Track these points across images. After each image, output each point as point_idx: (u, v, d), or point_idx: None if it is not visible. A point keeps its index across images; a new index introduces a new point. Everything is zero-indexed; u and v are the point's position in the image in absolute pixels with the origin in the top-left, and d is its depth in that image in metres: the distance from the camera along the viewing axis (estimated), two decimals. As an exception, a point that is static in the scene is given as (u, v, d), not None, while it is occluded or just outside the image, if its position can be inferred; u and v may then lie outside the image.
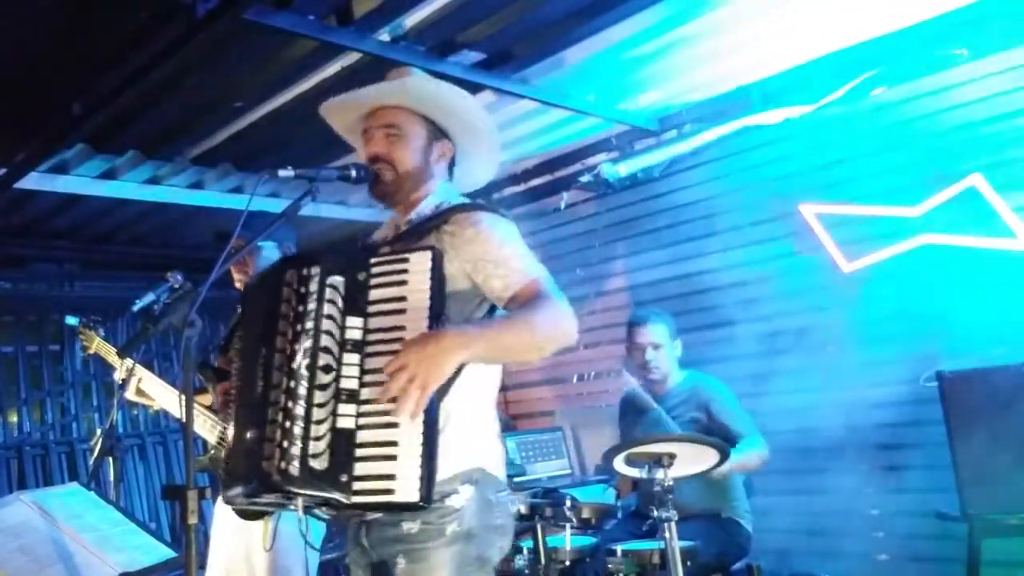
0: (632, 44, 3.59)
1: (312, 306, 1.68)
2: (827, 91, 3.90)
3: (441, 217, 1.87)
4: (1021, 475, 2.82)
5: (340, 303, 1.70)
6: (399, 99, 1.96)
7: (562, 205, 5.09)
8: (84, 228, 5.21)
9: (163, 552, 2.10)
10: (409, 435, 1.62)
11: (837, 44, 3.76)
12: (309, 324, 1.67)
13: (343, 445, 1.62)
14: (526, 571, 3.22)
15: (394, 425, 1.62)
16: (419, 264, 1.71)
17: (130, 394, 3.04)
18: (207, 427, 2.91)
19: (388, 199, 1.97)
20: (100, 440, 2.86)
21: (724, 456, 2.96)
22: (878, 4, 3.43)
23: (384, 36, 3.31)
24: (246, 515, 2.79)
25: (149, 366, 3.08)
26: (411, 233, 1.91)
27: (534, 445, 4.58)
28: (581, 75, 3.87)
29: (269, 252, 3.02)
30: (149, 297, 3.01)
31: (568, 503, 3.18)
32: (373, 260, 1.75)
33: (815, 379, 4.02)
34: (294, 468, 1.58)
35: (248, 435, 1.67)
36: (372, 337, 1.70)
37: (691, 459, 2.94)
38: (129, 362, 3.00)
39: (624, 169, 4.47)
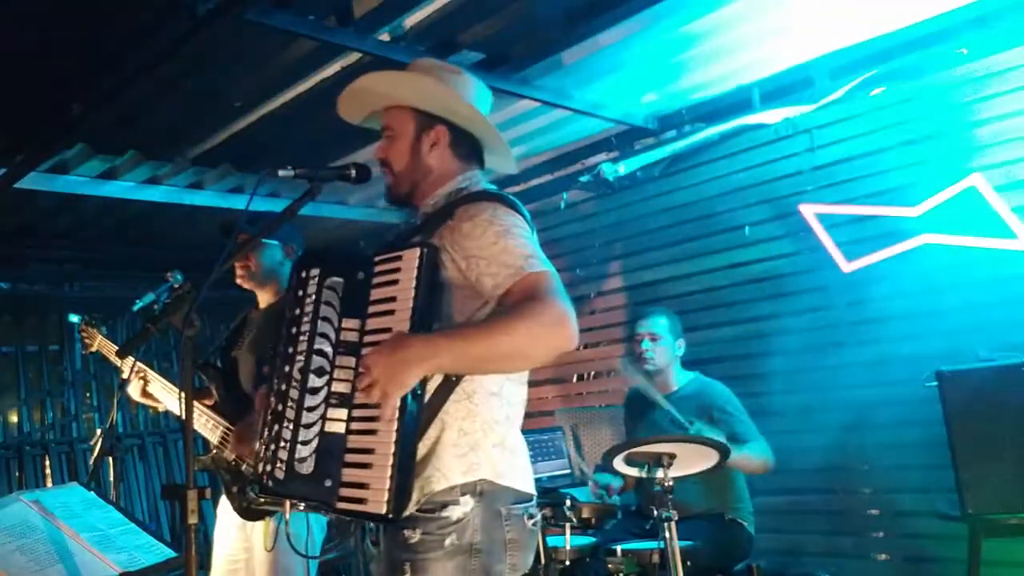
0: (632, 44, 3.59)
1: (309, 309, 1.67)
2: (827, 91, 3.90)
3: (449, 208, 1.77)
4: (1021, 475, 2.81)
5: (337, 305, 1.68)
6: (378, 100, 1.92)
7: (562, 205, 5.09)
8: (84, 228, 5.21)
9: (163, 552, 2.10)
10: (384, 443, 1.55)
11: (837, 44, 3.75)
12: (305, 327, 1.66)
13: (331, 450, 1.59)
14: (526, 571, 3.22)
15: (372, 432, 1.57)
16: (409, 262, 1.63)
17: (136, 395, 3.04)
18: (208, 427, 2.91)
19: (397, 202, 1.93)
20: (100, 440, 2.86)
21: (724, 456, 2.96)
22: (878, 4, 3.43)
23: (384, 36, 3.31)
24: (249, 515, 2.80)
25: (149, 366, 3.08)
26: (421, 229, 1.82)
27: (534, 445, 4.57)
28: (581, 75, 3.87)
29: (272, 250, 3.02)
30: (149, 297, 3.02)
31: (568, 503, 3.18)
32: (377, 259, 1.69)
33: (815, 379, 4.02)
34: (280, 472, 1.59)
35: (258, 440, 1.70)
36: (368, 339, 1.65)
37: (691, 459, 2.94)
38: (131, 360, 3.00)
39: (624, 169, 4.47)
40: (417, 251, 1.61)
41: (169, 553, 2.09)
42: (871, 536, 3.85)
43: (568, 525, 3.19)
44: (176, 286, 2.92)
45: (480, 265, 1.68)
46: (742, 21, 3.46)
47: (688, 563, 2.89)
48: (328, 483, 1.58)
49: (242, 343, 3.04)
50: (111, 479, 2.84)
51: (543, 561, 3.15)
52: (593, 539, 3.43)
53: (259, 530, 2.80)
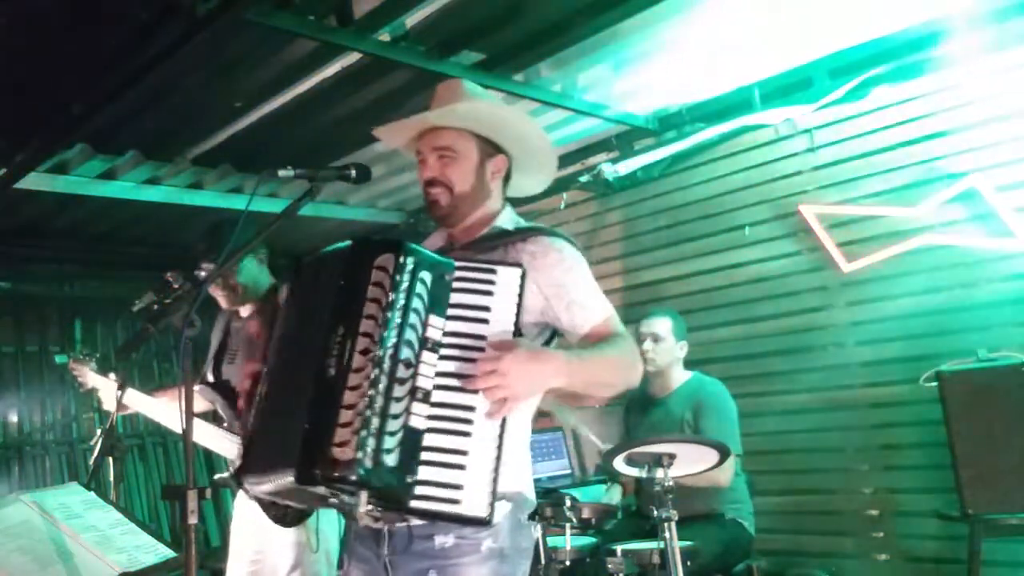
0: (632, 43, 3.59)
1: (402, 297, 1.62)
2: (827, 91, 3.90)
3: (520, 234, 1.89)
4: (1021, 475, 2.82)
5: (426, 299, 1.65)
6: (448, 122, 1.92)
7: (562, 205, 5.09)
8: (84, 228, 5.21)
9: (163, 552, 2.10)
10: (481, 446, 1.58)
11: (837, 44, 3.76)
12: (397, 315, 1.60)
13: (412, 445, 1.56)
14: (526, 571, 3.22)
15: (466, 434, 1.59)
16: (508, 278, 1.71)
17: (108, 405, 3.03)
18: (224, 446, 2.89)
19: (446, 220, 1.95)
20: (100, 440, 2.86)
21: (724, 456, 2.96)
22: (878, 4, 3.43)
23: (384, 36, 3.31)
24: (286, 522, 2.75)
25: (149, 367, 3.07)
26: (485, 243, 1.89)
27: (534, 445, 4.56)
28: (581, 75, 3.87)
29: (246, 263, 2.99)
30: (149, 297, 3.01)
31: (568, 503, 3.18)
32: (457, 264, 1.72)
33: (815, 379, 4.02)
34: (368, 459, 1.50)
35: (310, 417, 1.56)
36: (449, 340, 1.66)
37: (691, 459, 2.94)
38: (112, 386, 2.99)
39: (624, 169, 4.47)
40: (519, 271, 1.72)
41: (169, 553, 2.09)
42: (871, 536, 3.85)
43: (568, 525, 3.18)
44: (176, 286, 2.91)
45: (571, 295, 1.82)
46: (743, 21, 3.46)
47: (688, 563, 2.88)
48: (408, 479, 1.54)
49: (232, 357, 3.02)
50: (111, 479, 2.83)
51: (543, 561, 3.14)
52: (593, 539, 3.42)
53: (272, 533, 2.78)
